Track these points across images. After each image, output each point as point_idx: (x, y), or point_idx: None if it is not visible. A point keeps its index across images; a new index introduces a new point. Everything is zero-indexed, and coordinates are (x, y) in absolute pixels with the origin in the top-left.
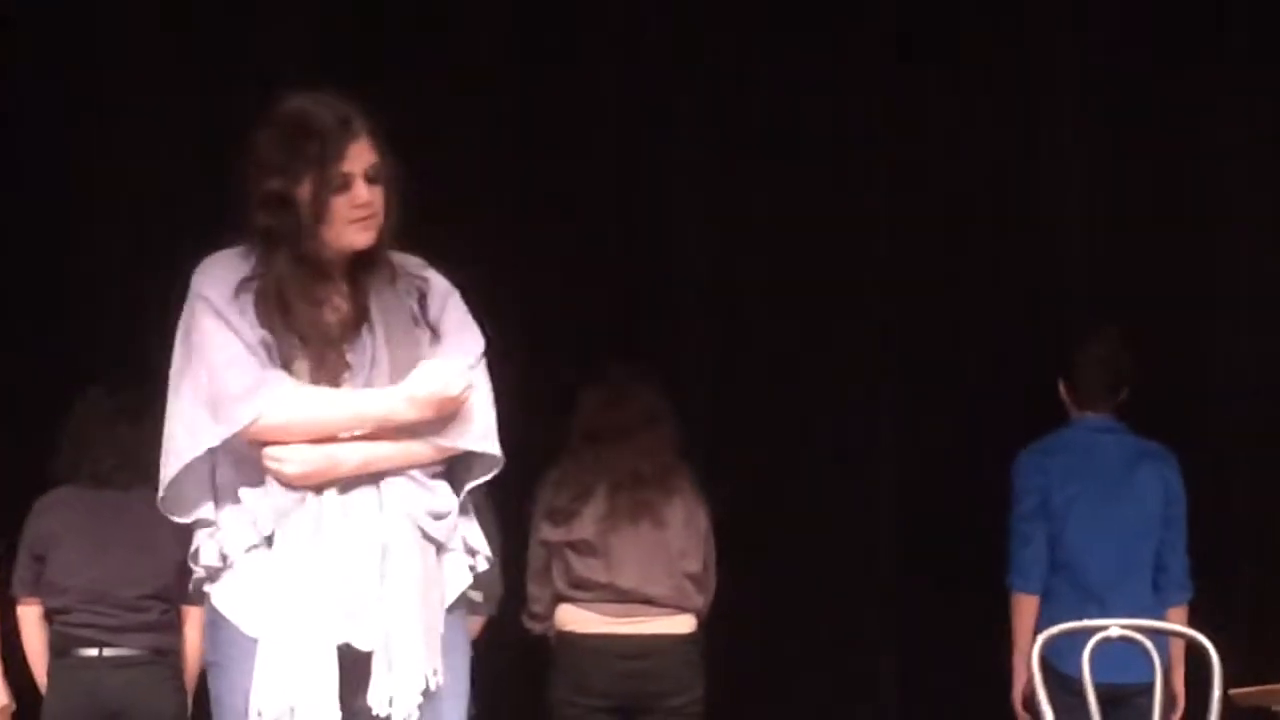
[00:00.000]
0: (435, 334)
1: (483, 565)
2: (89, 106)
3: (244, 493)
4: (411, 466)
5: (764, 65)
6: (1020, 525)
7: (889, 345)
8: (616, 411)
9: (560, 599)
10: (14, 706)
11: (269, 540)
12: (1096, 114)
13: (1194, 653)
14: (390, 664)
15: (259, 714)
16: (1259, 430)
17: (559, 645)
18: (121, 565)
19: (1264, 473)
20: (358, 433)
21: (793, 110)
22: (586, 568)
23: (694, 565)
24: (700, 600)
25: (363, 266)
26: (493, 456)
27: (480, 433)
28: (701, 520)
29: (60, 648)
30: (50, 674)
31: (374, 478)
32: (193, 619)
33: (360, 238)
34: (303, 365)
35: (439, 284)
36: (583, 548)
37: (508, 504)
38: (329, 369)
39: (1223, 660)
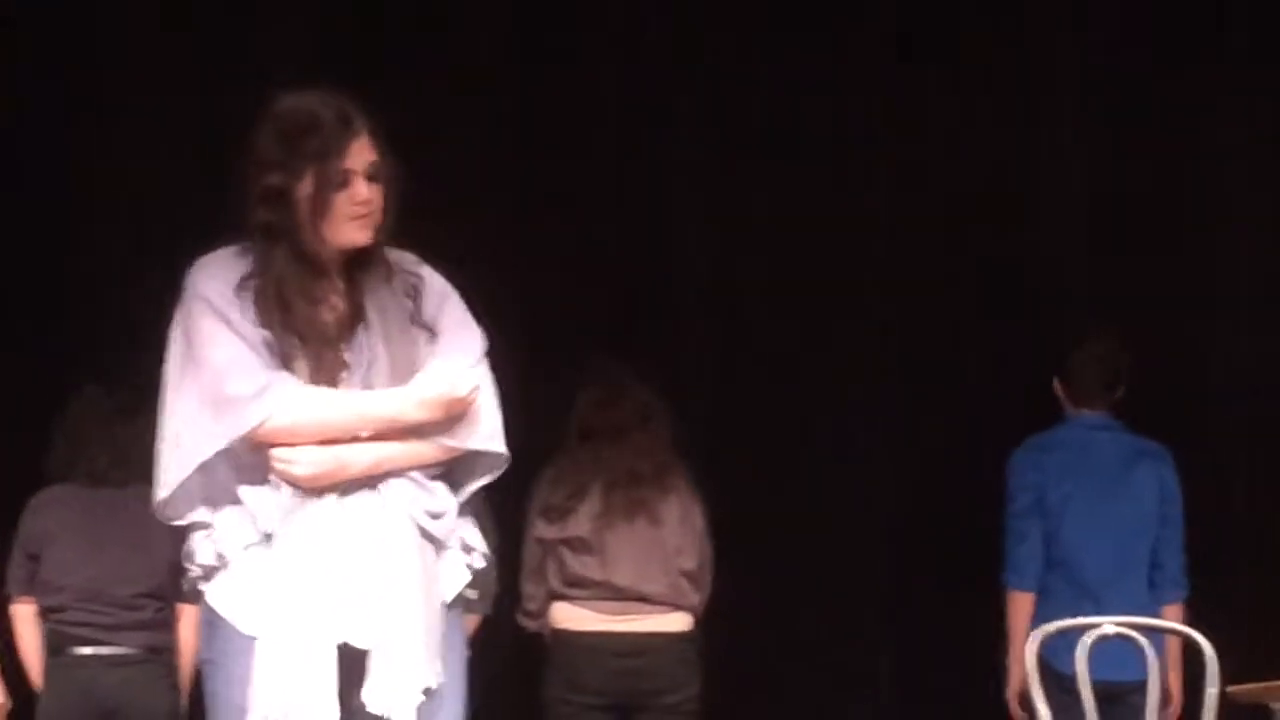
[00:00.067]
0: (431, 333)
1: (479, 563)
2: (89, 106)
3: (244, 492)
4: (419, 467)
5: (764, 65)
6: (1015, 522)
7: (889, 345)
8: (612, 410)
9: (555, 597)
10: (10, 705)
11: (267, 539)
12: (1096, 114)
13: (1190, 650)
14: (390, 663)
15: (259, 713)
16: (1258, 429)
17: (554, 643)
18: (116, 563)
19: (1262, 471)
20: (365, 434)
21: (793, 110)
22: (582, 565)
23: (690, 563)
24: (696, 598)
25: (359, 265)
26: (499, 455)
27: (487, 433)
28: (697, 518)
29: (55, 646)
30: (45, 672)
31: (374, 478)
32: (187, 617)
33: (359, 235)
34: (302, 365)
35: (434, 281)
36: (578, 545)
37: (504, 503)
38: (327, 368)
39: (1219, 658)
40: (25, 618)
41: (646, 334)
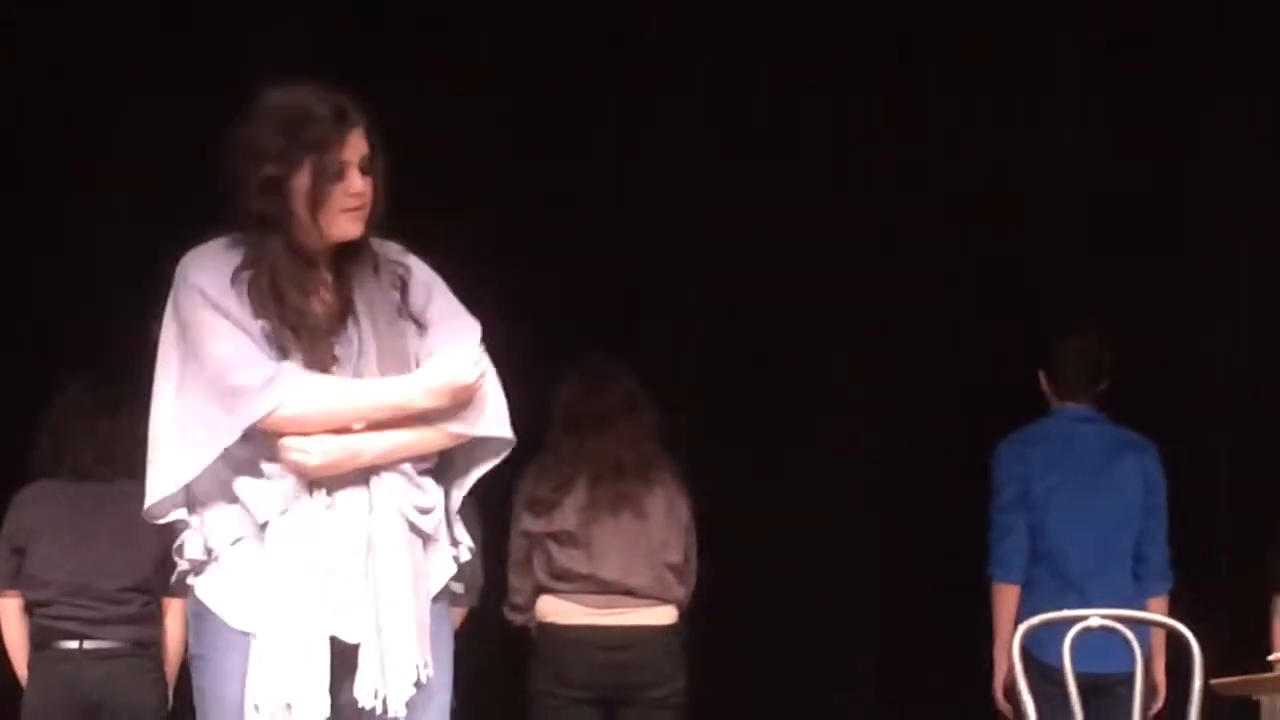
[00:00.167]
0: (419, 325)
1: (465, 556)
2: (89, 106)
3: (240, 484)
4: (428, 454)
5: (764, 65)
6: (1001, 515)
7: (889, 345)
8: (596, 400)
9: (541, 590)
10: None
11: (258, 533)
12: (1096, 114)
13: (1174, 642)
14: (381, 657)
15: (255, 708)
16: (1249, 426)
17: (540, 636)
18: (102, 558)
19: (1250, 466)
20: (362, 424)
21: (793, 110)
22: (568, 559)
23: (675, 556)
24: (681, 591)
25: (347, 257)
26: (505, 439)
27: (493, 417)
28: (683, 511)
29: (41, 640)
30: (30, 666)
31: (364, 472)
32: (174, 611)
33: (352, 228)
34: (296, 357)
35: (420, 271)
36: (564, 539)
37: (490, 496)
38: (319, 361)
39: (1203, 650)
40: (11, 612)
41: (646, 334)
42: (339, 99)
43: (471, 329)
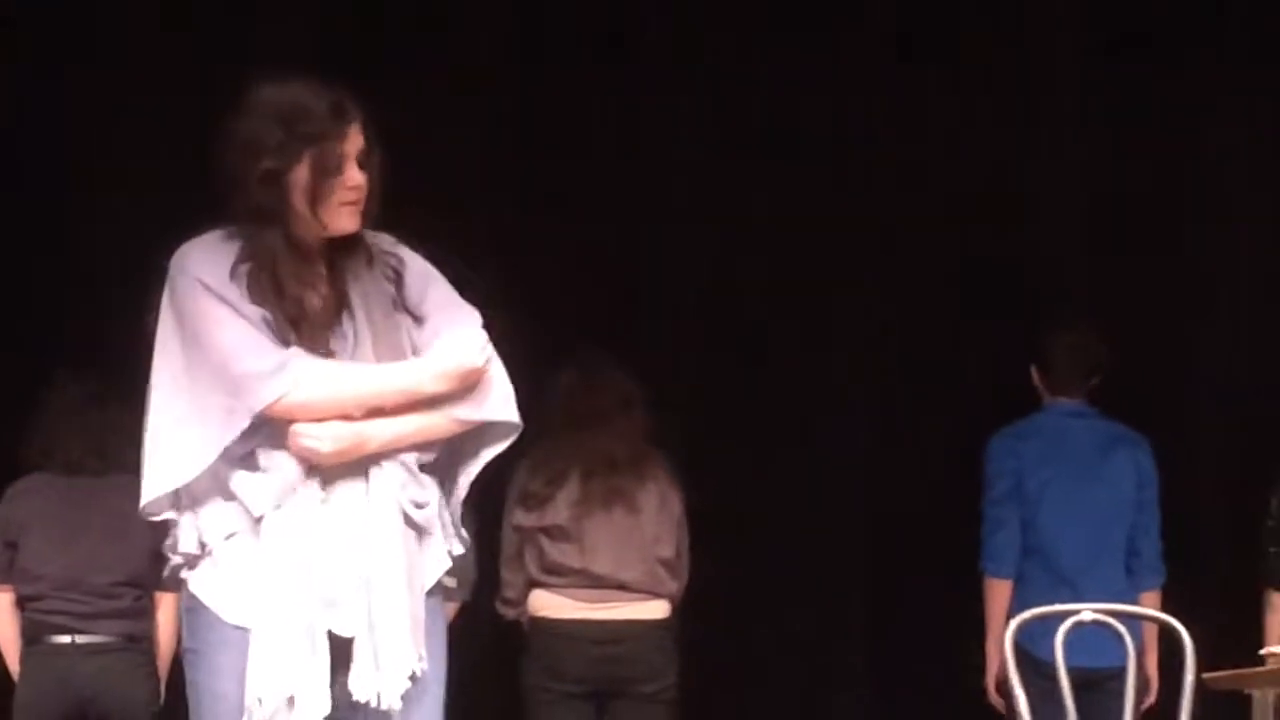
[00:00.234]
0: (416, 317)
1: (459, 549)
2: (89, 106)
3: (236, 478)
4: (436, 440)
5: (764, 65)
6: (993, 510)
7: (889, 345)
8: (590, 396)
9: (534, 584)
10: None
11: (253, 527)
12: (1096, 114)
13: (1167, 637)
14: (375, 651)
15: (258, 701)
16: (1244, 424)
17: (532, 631)
18: (94, 552)
19: (1242, 463)
20: (374, 408)
21: (793, 110)
22: (560, 553)
23: (667, 551)
24: (674, 586)
25: (342, 251)
26: (511, 423)
27: (500, 402)
28: (675, 505)
29: (32, 635)
30: (22, 661)
31: (362, 465)
32: (166, 605)
33: (350, 222)
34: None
35: (414, 263)
36: (556, 533)
37: (483, 490)
38: (316, 354)
39: (1195, 644)
40: (3, 607)
41: (646, 334)
42: (336, 93)
43: (472, 316)
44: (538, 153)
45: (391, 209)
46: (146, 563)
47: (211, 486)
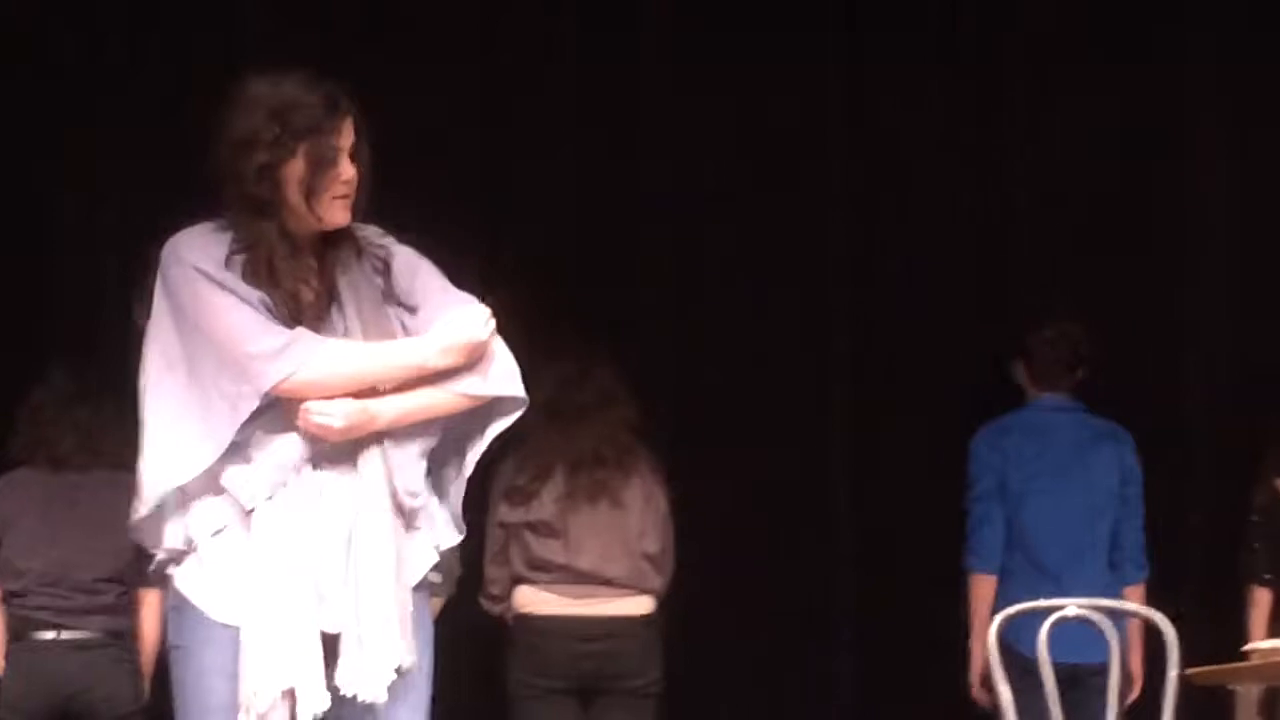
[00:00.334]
0: (405, 308)
1: (454, 539)
2: (89, 106)
3: (228, 473)
4: (442, 415)
5: (765, 65)
6: (977, 505)
7: (883, 344)
8: (576, 391)
9: (518, 580)
10: None
11: (243, 520)
12: (1079, 110)
13: (1151, 632)
14: (362, 644)
15: (254, 694)
16: (1233, 419)
17: (517, 627)
18: (78, 548)
19: (1218, 456)
20: (382, 385)
21: (773, 103)
22: (545, 549)
23: (652, 546)
24: (658, 581)
25: (331, 244)
26: (517, 398)
27: (504, 376)
28: (661, 501)
29: (17, 630)
30: (7, 656)
31: (352, 456)
32: (149, 602)
33: (341, 215)
34: None
35: (402, 252)
36: (542, 529)
37: (470, 488)
38: None
39: (1179, 640)
40: None
41: (641, 333)
42: (328, 87)
43: (466, 297)
44: (538, 152)
45: (385, 203)
46: (131, 559)
47: (205, 484)
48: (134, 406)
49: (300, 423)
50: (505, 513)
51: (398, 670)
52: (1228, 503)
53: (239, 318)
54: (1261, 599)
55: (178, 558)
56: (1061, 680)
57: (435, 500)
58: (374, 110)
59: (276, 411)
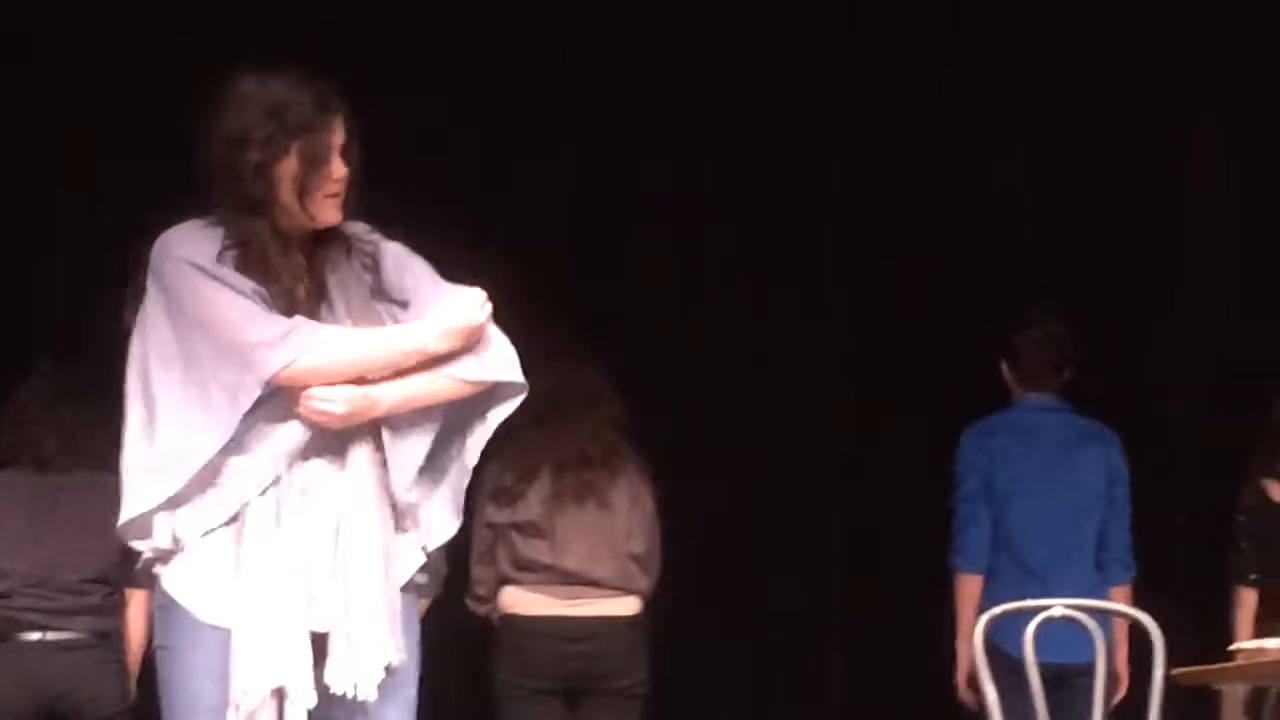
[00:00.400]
0: (395, 303)
1: (443, 536)
2: (89, 106)
3: (231, 463)
4: (442, 401)
5: (761, 64)
6: (963, 506)
7: (881, 346)
8: (562, 392)
9: (505, 581)
10: None
11: (233, 517)
12: (1096, 113)
13: (1137, 632)
14: (351, 642)
15: (244, 693)
16: (1218, 420)
17: (503, 627)
18: (64, 549)
19: (1204, 456)
20: (382, 370)
21: (768, 106)
22: (532, 549)
23: (639, 547)
24: (645, 582)
25: (321, 242)
26: (516, 384)
27: (503, 362)
28: (647, 501)
29: (3, 631)
30: None
31: (339, 456)
32: (136, 602)
33: (333, 213)
34: None
35: (392, 250)
36: (528, 529)
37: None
38: None
39: (1166, 640)
40: None
41: (635, 333)
42: (319, 85)
43: (458, 287)
44: (537, 152)
45: (383, 202)
46: (116, 559)
47: (194, 478)
48: (117, 406)
49: (302, 410)
50: (492, 513)
51: (387, 668)
52: (1213, 503)
53: (237, 309)
54: (1248, 599)
55: (165, 557)
56: (1047, 680)
57: (428, 501)
58: (374, 110)
59: (277, 401)
